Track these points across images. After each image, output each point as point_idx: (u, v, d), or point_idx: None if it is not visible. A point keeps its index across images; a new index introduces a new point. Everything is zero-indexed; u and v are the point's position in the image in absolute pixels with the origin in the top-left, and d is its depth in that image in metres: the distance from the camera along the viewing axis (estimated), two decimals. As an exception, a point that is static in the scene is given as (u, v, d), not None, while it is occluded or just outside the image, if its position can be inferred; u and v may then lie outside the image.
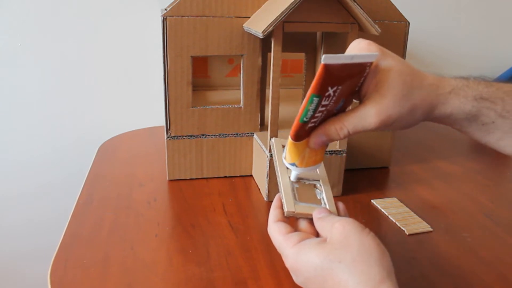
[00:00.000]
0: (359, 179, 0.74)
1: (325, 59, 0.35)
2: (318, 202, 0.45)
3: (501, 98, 0.42)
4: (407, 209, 0.64)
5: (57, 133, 0.96)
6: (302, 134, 0.42)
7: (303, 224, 0.43)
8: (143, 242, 0.55)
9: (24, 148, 0.96)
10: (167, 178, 0.71)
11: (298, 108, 0.83)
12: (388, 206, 0.65)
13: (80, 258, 0.51)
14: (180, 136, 0.69)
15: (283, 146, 0.50)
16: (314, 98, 0.38)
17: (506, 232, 0.59)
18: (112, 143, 0.89)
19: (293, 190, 0.46)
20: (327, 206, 0.45)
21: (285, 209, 0.43)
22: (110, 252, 0.52)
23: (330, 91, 0.38)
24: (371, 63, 0.39)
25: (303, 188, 0.46)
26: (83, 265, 0.50)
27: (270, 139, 0.50)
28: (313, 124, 0.41)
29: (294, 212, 0.43)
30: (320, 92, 0.37)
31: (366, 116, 0.41)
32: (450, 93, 0.42)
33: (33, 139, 0.96)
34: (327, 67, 0.35)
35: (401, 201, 0.66)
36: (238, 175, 0.73)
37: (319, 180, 0.47)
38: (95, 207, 0.62)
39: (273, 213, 0.44)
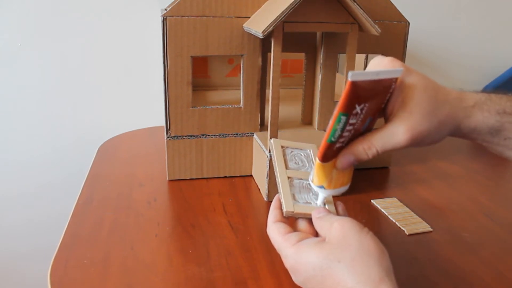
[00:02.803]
0: (359, 179, 0.74)
1: (352, 76, 0.34)
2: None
3: None
4: (407, 209, 0.64)
5: (57, 133, 0.96)
6: (329, 155, 0.41)
7: (302, 224, 0.43)
8: (143, 242, 0.55)
9: (24, 148, 0.96)
10: (167, 178, 0.71)
11: (298, 108, 0.83)
12: (388, 206, 0.65)
13: (80, 258, 0.51)
14: (180, 136, 0.69)
15: (282, 147, 0.51)
16: (342, 117, 0.37)
17: (506, 232, 0.59)
18: (112, 143, 0.89)
19: (292, 190, 0.46)
20: (326, 206, 0.45)
21: (284, 209, 0.43)
22: (110, 252, 0.52)
23: (358, 109, 0.38)
24: (397, 78, 0.39)
25: (302, 188, 0.47)
26: (83, 265, 0.50)
27: (269, 140, 0.50)
28: (340, 145, 0.41)
29: (293, 212, 0.43)
30: (348, 110, 0.37)
31: (396, 134, 0.40)
32: (473, 107, 0.42)
33: (33, 139, 0.96)
34: (354, 84, 0.35)
35: (401, 201, 0.66)
36: (238, 175, 0.73)
37: None
38: (95, 207, 0.62)
39: (273, 213, 0.44)
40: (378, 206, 0.65)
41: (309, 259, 0.38)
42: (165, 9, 0.70)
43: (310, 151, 0.52)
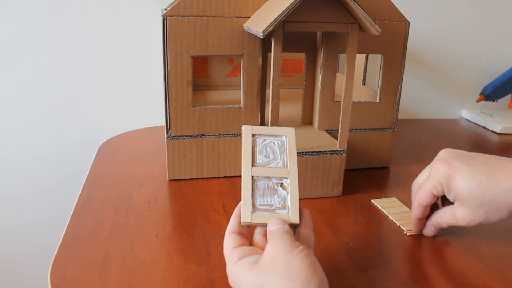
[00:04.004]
0: (359, 179, 0.74)
1: None
2: (281, 207, 0.43)
3: None
4: (407, 208, 0.64)
5: (57, 133, 0.96)
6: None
7: (257, 236, 0.43)
8: (143, 242, 0.55)
9: (24, 148, 0.96)
10: (167, 178, 0.71)
11: (298, 108, 0.83)
12: (388, 206, 0.65)
13: (80, 258, 0.51)
14: (180, 136, 0.69)
15: (254, 135, 0.47)
16: None
17: (506, 232, 0.59)
18: (112, 143, 0.89)
19: (255, 193, 0.43)
20: (289, 211, 0.43)
21: (241, 219, 0.42)
22: (110, 252, 0.52)
23: None
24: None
25: (267, 189, 0.44)
26: (83, 265, 0.50)
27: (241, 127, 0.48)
28: None
29: (250, 222, 0.42)
30: None
31: (456, 218, 0.51)
32: None
33: (33, 139, 0.96)
34: None
35: (401, 201, 0.66)
36: (238, 175, 0.73)
37: (287, 178, 0.45)
38: (95, 207, 0.62)
39: (231, 223, 0.44)
40: (378, 206, 0.65)
41: (241, 280, 0.38)
42: (165, 9, 0.70)
43: (285, 137, 0.47)
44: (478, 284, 0.49)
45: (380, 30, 0.58)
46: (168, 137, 0.69)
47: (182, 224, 0.59)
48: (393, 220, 0.61)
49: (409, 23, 0.72)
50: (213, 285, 0.47)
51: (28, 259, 1.02)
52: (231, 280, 0.40)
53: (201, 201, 0.65)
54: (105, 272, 0.49)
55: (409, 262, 0.53)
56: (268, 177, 0.45)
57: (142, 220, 0.59)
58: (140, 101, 0.99)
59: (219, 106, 0.69)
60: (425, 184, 0.53)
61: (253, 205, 0.43)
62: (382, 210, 0.64)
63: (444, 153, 0.54)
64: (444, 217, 0.53)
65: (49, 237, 0.83)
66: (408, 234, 0.58)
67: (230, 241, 0.42)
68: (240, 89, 0.69)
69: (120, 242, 0.54)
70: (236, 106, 0.70)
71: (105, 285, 0.47)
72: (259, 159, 0.46)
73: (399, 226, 0.60)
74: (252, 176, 0.44)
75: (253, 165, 0.45)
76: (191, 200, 0.65)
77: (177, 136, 0.69)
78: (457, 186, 0.49)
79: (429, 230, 0.56)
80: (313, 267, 0.36)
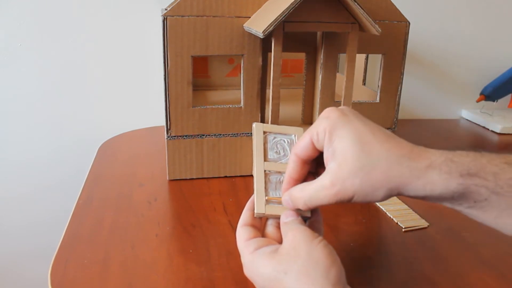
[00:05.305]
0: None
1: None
2: None
3: (493, 172, 0.35)
4: (405, 206, 0.64)
5: (57, 133, 0.96)
6: None
7: (270, 228, 0.43)
8: (143, 242, 0.55)
9: (24, 148, 0.96)
10: (168, 178, 0.71)
11: (298, 108, 0.83)
12: (387, 203, 0.65)
13: (81, 258, 0.51)
14: (180, 136, 0.69)
15: (265, 132, 0.48)
16: None
17: (506, 232, 0.59)
18: (112, 143, 0.89)
19: (268, 186, 0.45)
20: None
21: (255, 210, 0.43)
22: (110, 252, 0.52)
23: None
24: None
25: (279, 183, 0.45)
26: (84, 265, 0.50)
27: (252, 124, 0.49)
28: None
29: (264, 213, 0.43)
30: None
31: (322, 187, 0.38)
32: (428, 168, 0.36)
33: (33, 140, 0.96)
34: None
35: (401, 200, 0.66)
36: (239, 175, 0.73)
37: None
38: (95, 207, 0.62)
39: (243, 216, 0.44)
40: (376, 203, 0.65)
41: (260, 270, 0.38)
42: (165, 9, 0.70)
43: (294, 136, 0.49)
44: (478, 284, 0.49)
45: (380, 30, 0.58)
46: (168, 137, 0.69)
47: (182, 224, 0.59)
48: (391, 217, 0.61)
49: (409, 23, 0.72)
50: (213, 285, 0.47)
51: (28, 259, 1.02)
52: (247, 270, 0.40)
53: (201, 201, 0.65)
54: (105, 272, 0.49)
55: (409, 262, 0.53)
56: (279, 172, 0.46)
57: (142, 220, 0.59)
58: (140, 101, 0.99)
59: (219, 106, 0.69)
60: (308, 130, 0.42)
61: (266, 198, 0.44)
62: (380, 207, 0.64)
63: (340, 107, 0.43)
64: (306, 187, 0.40)
65: (49, 237, 0.82)
66: (404, 230, 0.58)
67: (244, 233, 0.42)
68: (240, 89, 0.69)
69: (120, 242, 0.54)
70: (236, 106, 0.70)
71: (105, 285, 0.47)
72: (270, 155, 0.47)
73: (397, 223, 0.60)
74: (264, 170, 0.45)
75: (265, 160, 0.46)
76: (191, 200, 0.65)
77: (177, 136, 0.69)
78: (342, 136, 0.38)
79: (284, 200, 0.43)
80: (333, 257, 0.37)
